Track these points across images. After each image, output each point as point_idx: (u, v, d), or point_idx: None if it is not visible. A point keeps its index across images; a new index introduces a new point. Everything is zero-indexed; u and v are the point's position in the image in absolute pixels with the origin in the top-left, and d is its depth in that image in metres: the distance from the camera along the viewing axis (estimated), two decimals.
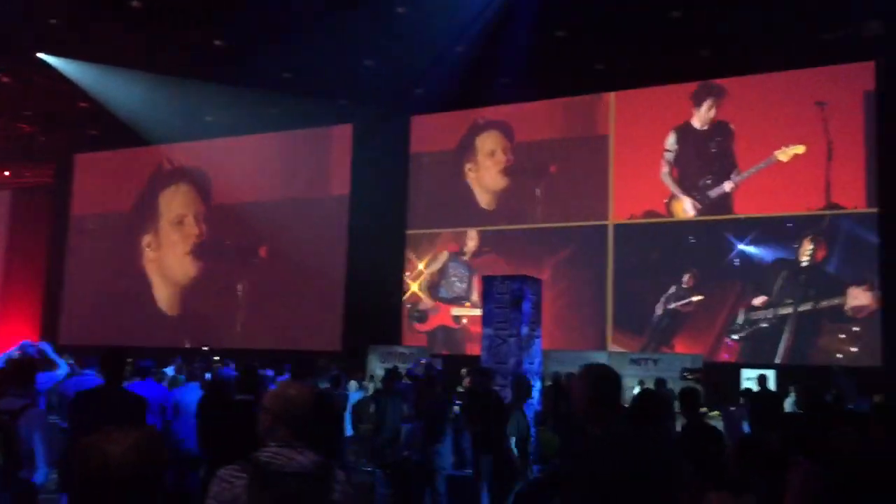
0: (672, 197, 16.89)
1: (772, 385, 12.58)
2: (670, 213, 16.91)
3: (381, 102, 18.05)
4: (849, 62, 15.27)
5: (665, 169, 16.95)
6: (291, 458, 2.63)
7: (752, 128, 16.21)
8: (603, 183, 17.50)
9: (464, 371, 13.53)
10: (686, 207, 16.78)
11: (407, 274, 19.13)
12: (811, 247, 15.41)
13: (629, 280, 16.93)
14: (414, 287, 19.00)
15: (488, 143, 18.93)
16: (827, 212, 15.39)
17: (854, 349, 14.76)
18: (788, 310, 15.38)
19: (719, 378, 13.81)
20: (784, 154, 15.73)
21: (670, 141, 16.97)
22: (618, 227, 17.28)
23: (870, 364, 14.13)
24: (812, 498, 4.03)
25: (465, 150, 19.17)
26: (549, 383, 11.26)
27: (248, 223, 20.68)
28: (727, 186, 16.37)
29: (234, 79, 17.12)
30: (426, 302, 18.82)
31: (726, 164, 16.48)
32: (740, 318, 15.79)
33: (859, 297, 14.84)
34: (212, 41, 15.97)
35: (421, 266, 18.99)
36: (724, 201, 16.39)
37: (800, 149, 15.60)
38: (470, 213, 18.83)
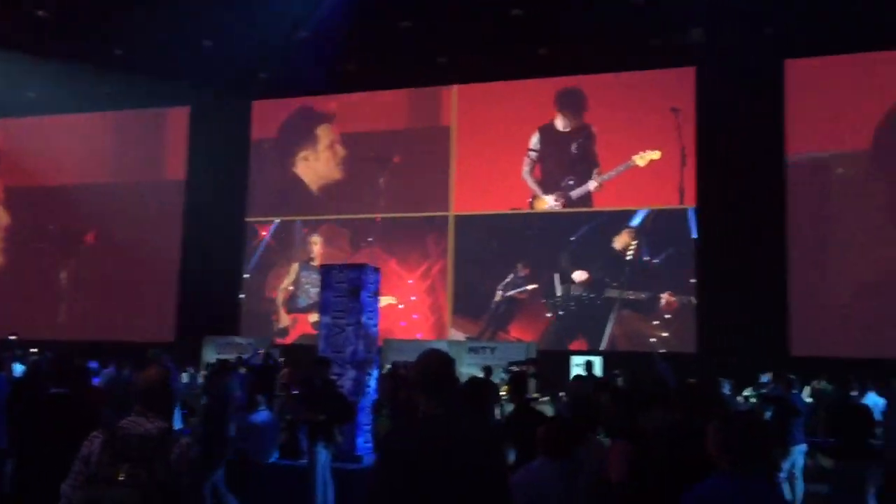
0: (535, 196, 17.32)
1: (598, 370, 13.24)
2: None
3: (220, 85, 17.48)
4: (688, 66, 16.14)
5: (527, 168, 17.36)
6: (140, 424, 3.28)
7: (612, 130, 16.79)
8: (445, 174, 17.76)
9: (281, 360, 13.36)
10: (550, 206, 17.23)
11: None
12: (635, 241, 16.33)
13: (468, 269, 17.31)
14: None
15: (327, 132, 18.76)
16: (650, 207, 16.34)
17: (670, 337, 15.80)
18: (613, 299, 16.25)
19: (550, 365, 14.37)
20: (641, 159, 16.48)
21: (534, 141, 17.39)
22: (458, 217, 17.61)
23: (686, 350, 15.16)
24: (626, 474, 4.28)
25: (308, 137, 18.91)
26: (385, 371, 11.34)
27: (74, 207, 19.47)
28: (591, 185, 16.94)
29: (60, 53, 16.04)
30: (284, 318, 18.44)
31: (588, 166, 17.05)
32: (559, 290, 16.53)
33: (669, 302, 15.92)
34: (35, 11, 14.89)
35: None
36: (585, 201, 16.96)
37: (656, 154, 16.38)
38: (312, 202, 18.60)
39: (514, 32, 15.39)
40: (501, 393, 9.28)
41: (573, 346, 16.15)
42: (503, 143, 17.35)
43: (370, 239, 18.02)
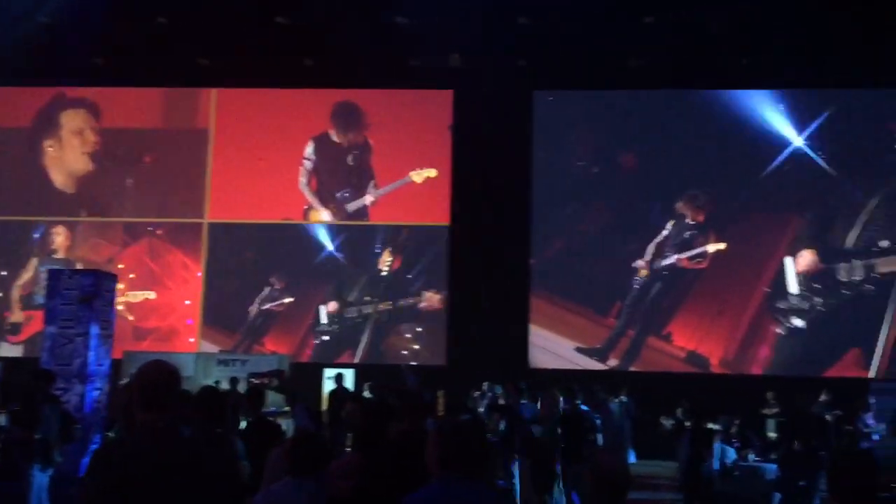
0: (310, 207, 16.97)
1: (349, 383, 13.31)
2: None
3: None
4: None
5: (303, 178, 16.97)
6: None
7: (389, 145, 16.88)
8: (201, 179, 17.05)
9: None
10: (325, 218, 16.95)
11: None
12: (390, 258, 16.61)
13: (223, 280, 16.72)
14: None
15: (75, 121, 17.35)
16: (404, 223, 16.69)
17: (421, 349, 16.23)
18: (368, 312, 16.41)
19: (303, 377, 14.24)
20: (418, 175, 16.66)
21: (309, 150, 17.03)
22: (213, 225, 16.97)
23: (436, 363, 15.63)
24: (350, 488, 4.27)
25: (47, 127, 17.36)
26: (120, 386, 10.63)
27: None
28: (367, 200, 16.86)
29: None
30: (17, 315, 16.70)
31: (364, 179, 16.95)
32: (324, 319, 16.47)
33: (431, 301, 16.35)
34: None
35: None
36: (361, 215, 16.87)
37: (432, 172, 16.63)
38: (50, 199, 17.09)
39: (280, 40, 15.14)
40: None
41: (328, 358, 16.07)
42: (272, 151, 16.88)
43: (150, 228, 16.92)
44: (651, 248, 15.98)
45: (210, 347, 16.21)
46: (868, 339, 15.18)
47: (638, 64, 15.38)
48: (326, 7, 13.83)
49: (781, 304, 15.55)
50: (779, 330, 15.51)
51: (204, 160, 17.11)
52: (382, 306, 16.36)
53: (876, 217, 15.55)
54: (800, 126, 15.91)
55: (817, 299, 15.45)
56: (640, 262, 15.98)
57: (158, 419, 2.95)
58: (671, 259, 15.93)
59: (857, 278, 15.38)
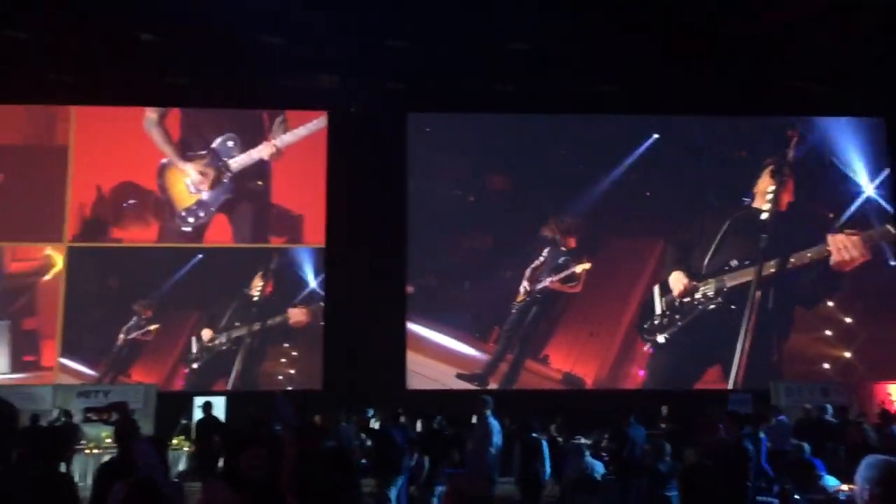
0: (169, 163, 16.40)
1: (220, 411, 12.82)
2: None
3: None
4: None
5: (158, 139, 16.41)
6: None
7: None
8: (60, 201, 16.11)
9: None
10: (191, 178, 16.37)
11: None
12: (261, 282, 16.16)
13: (85, 307, 15.79)
14: None
15: None
16: (273, 246, 16.33)
17: (297, 374, 15.80)
18: (240, 339, 15.88)
19: (172, 407, 13.62)
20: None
21: None
22: (73, 249, 16.03)
23: (313, 388, 15.26)
24: None
25: None
26: None
27: None
28: (265, 152, 16.46)
29: None
30: None
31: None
32: (195, 347, 15.87)
33: (297, 316, 16.02)
34: None
35: None
36: (201, 229, 16.32)
37: None
38: None
39: (143, 58, 14.60)
40: None
41: (198, 386, 15.40)
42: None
43: None
44: (527, 273, 16.21)
45: (68, 379, 15.19)
46: (725, 353, 15.89)
47: (507, 88, 15.66)
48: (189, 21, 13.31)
49: (647, 324, 16.12)
50: (646, 348, 16.04)
51: (63, 180, 16.18)
52: (253, 337, 15.85)
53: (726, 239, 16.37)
54: (669, 150, 16.66)
55: (678, 317, 16.10)
56: (521, 287, 16.18)
57: None
58: (545, 283, 16.19)
59: (711, 294, 16.16)
